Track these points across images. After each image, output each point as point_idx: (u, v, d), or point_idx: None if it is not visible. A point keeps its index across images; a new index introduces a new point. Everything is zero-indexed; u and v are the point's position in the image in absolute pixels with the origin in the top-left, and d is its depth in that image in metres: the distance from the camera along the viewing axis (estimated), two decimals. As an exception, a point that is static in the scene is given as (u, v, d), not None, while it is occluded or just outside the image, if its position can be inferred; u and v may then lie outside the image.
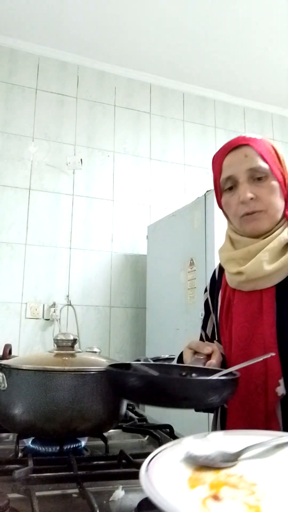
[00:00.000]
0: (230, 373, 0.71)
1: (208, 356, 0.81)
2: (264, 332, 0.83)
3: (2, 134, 2.85)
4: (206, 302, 1.05)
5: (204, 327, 1.04)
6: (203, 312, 1.05)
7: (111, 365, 0.71)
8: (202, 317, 1.06)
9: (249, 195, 0.86)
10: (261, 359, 0.75)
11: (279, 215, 0.89)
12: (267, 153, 0.89)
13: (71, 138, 3.02)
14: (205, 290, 1.06)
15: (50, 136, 2.97)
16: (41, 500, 0.52)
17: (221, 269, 1.01)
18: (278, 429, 0.76)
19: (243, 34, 2.82)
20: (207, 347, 0.82)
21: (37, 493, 0.51)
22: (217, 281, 1.02)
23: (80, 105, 3.09)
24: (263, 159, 0.87)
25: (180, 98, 3.43)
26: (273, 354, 0.77)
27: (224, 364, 0.85)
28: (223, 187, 0.92)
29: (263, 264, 0.86)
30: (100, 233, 2.97)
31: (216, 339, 0.96)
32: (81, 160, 2.96)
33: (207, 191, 2.21)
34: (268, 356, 0.76)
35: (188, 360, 0.82)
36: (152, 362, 0.85)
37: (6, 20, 2.75)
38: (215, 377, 0.68)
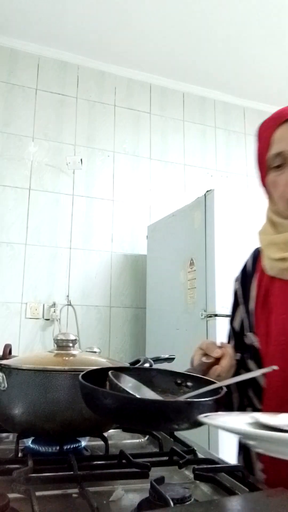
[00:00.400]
0: (217, 390, 0.62)
1: (218, 360, 0.73)
2: None
3: (2, 134, 2.85)
4: (236, 293, 0.96)
5: (231, 320, 0.96)
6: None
7: (85, 373, 0.63)
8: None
9: None
10: (260, 372, 0.68)
11: None
12: None
13: (71, 138, 3.02)
14: (236, 280, 0.97)
15: (50, 136, 2.97)
16: (41, 500, 0.52)
17: (255, 256, 0.93)
18: None
19: (243, 34, 2.82)
20: (217, 350, 0.74)
21: (37, 493, 0.51)
22: (251, 269, 0.93)
23: (80, 105, 3.10)
24: None
25: (180, 98, 3.43)
26: (276, 367, 0.66)
27: (237, 369, 0.79)
28: (271, 164, 0.82)
29: None
30: (100, 233, 2.97)
31: (247, 332, 0.87)
32: (81, 160, 2.96)
33: (207, 191, 2.21)
34: (270, 370, 0.66)
35: (195, 363, 0.75)
36: (144, 366, 0.81)
37: (6, 20, 2.75)
38: (183, 397, 0.61)
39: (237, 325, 0.93)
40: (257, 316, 0.85)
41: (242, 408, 0.85)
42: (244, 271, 0.95)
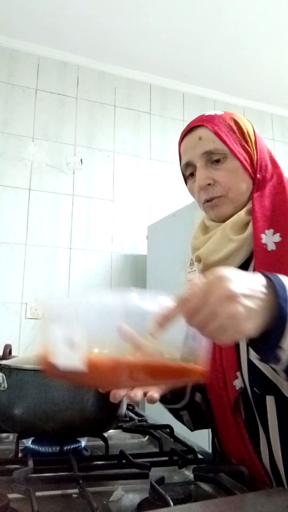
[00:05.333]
0: None
1: None
2: None
3: (2, 134, 2.85)
4: None
5: None
6: None
7: None
8: None
9: (205, 181, 0.80)
10: None
11: (244, 197, 0.81)
12: (225, 131, 0.81)
13: (71, 138, 3.02)
14: None
15: (50, 136, 2.97)
16: (41, 500, 0.52)
17: None
18: (242, 423, 0.72)
19: (243, 35, 2.82)
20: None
21: (37, 493, 0.51)
22: None
23: (80, 105, 3.09)
24: (220, 138, 0.80)
25: (180, 98, 3.43)
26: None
27: None
28: (185, 174, 0.88)
29: (215, 246, 0.80)
30: (100, 233, 2.97)
31: None
32: (81, 160, 2.96)
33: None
34: None
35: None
36: None
37: (6, 20, 2.75)
38: None
39: None
40: None
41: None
42: None
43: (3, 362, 0.75)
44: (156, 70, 3.25)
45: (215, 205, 0.82)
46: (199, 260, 0.85)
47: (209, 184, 0.80)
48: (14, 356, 0.89)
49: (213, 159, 0.80)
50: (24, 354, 1.15)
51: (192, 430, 0.87)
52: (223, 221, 0.82)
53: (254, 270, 0.75)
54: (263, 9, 2.59)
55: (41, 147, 2.92)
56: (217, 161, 0.80)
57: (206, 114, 0.84)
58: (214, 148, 0.80)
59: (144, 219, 3.08)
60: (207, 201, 0.82)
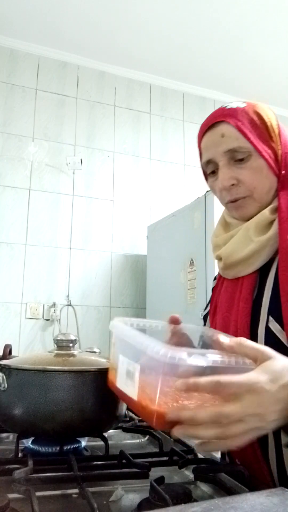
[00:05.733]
0: None
1: None
2: (238, 322, 0.74)
3: (2, 134, 2.85)
4: (212, 290, 0.95)
5: (205, 317, 0.95)
6: (203, 312, 1.00)
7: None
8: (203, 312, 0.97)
9: (229, 182, 0.76)
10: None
11: (269, 197, 0.77)
12: (249, 126, 0.76)
13: (71, 138, 3.02)
14: (214, 278, 0.96)
15: (50, 136, 2.97)
16: (41, 500, 0.52)
17: None
18: None
19: (243, 35, 2.82)
20: (174, 316, 0.74)
21: (37, 493, 0.51)
22: None
23: (80, 105, 3.10)
24: (244, 135, 0.75)
25: (180, 98, 3.43)
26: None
27: None
28: (206, 171, 0.83)
29: (238, 246, 0.77)
30: (100, 233, 2.97)
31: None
32: (81, 160, 2.96)
33: (207, 191, 2.21)
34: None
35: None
36: None
37: (6, 20, 2.75)
38: None
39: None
40: (210, 316, 0.87)
41: None
42: None
43: (3, 362, 0.75)
44: (156, 70, 3.25)
45: (239, 206, 0.78)
46: (220, 258, 0.83)
47: (232, 185, 0.77)
48: (14, 356, 0.88)
49: (236, 158, 0.76)
50: (24, 354, 1.15)
51: None
52: (247, 220, 0.79)
53: (277, 272, 0.73)
54: (263, 9, 2.59)
55: (41, 147, 2.92)
56: (241, 159, 0.76)
57: (227, 107, 0.78)
58: (238, 146, 0.75)
59: (144, 219, 3.08)
60: (231, 201, 0.79)
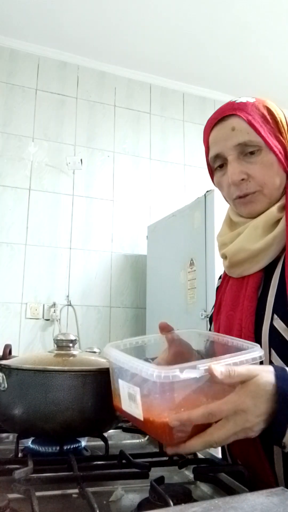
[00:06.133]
0: None
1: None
2: (243, 320, 0.74)
3: (2, 134, 2.85)
4: (217, 290, 0.94)
5: (211, 318, 0.94)
6: (203, 312, 1.01)
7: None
8: (208, 312, 0.98)
9: (239, 176, 0.74)
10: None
11: (278, 193, 0.76)
12: (260, 121, 0.75)
13: (71, 138, 3.02)
14: (219, 277, 0.95)
15: (50, 136, 2.97)
16: (41, 500, 0.52)
17: None
18: None
19: (243, 35, 2.82)
20: (165, 324, 0.76)
21: (37, 493, 0.51)
22: None
23: (80, 105, 3.10)
24: (255, 129, 0.74)
25: (180, 98, 3.43)
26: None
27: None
28: (213, 165, 0.81)
29: (244, 244, 0.76)
30: (100, 233, 2.97)
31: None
32: (81, 160, 2.96)
33: (207, 191, 2.21)
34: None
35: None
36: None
37: (6, 20, 2.75)
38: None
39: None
40: (214, 315, 0.87)
41: None
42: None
43: (3, 362, 0.75)
44: (156, 70, 3.25)
45: (249, 202, 0.76)
46: (225, 257, 0.81)
47: (242, 179, 0.75)
48: (14, 356, 0.88)
49: (246, 152, 0.75)
50: (24, 354, 1.15)
51: None
52: (254, 217, 0.77)
53: (283, 270, 0.73)
54: (263, 9, 2.59)
55: (41, 147, 2.92)
56: (251, 153, 0.74)
57: (237, 101, 0.77)
58: (249, 140, 0.74)
59: (144, 219, 3.09)
60: (240, 197, 0.77)
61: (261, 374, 0.55)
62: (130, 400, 0.57)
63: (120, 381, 0.59)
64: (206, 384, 0.54)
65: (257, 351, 0.58)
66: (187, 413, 0.52)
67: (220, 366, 0.53)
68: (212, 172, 0.84)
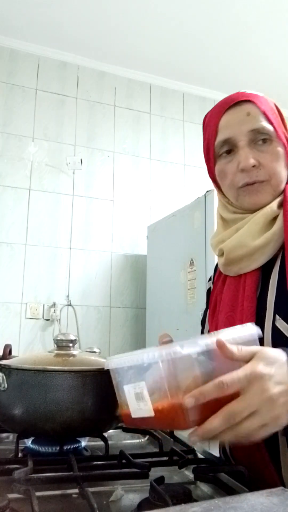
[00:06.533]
0: None
1: None
2: (243, 322, 0.71)
3: (2, 134, 2.85)
4: (208, 292, 0.92)
5: (203, 321, 0.92)
6: (203, 312, 0.99)
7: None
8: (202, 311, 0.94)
9: (252, 161, 0.72)
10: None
11: (281, 187, 0.75)
12: (271, 112, 0.75)
13: (71, 138, 3.02)
14: (209, 279, 0.93)
15: (50, 136, 2.97)
16: (41, 500, 0.52)
17: None
18: None
19: (243, 35, 2.82)
20: (165, 339, 0.69)
21: (37, 493, 0.51)
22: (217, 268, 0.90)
23: (80, 105, 3.10)
24: (267, 118, 0.74)
25: (180, 98, 3.43)
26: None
27: None
28: (218, 152, 0.78)
29: (244, 239, 0.74)
30: (100, 233, 2.97)
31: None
32: (81, 160, 2.96)
33: (207, 191, 2.21)
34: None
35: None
36: None
37: (6, 20, 2.75)
38: None
39: (206, 326, 0.90)
40: (209, 315, 0.84)
41: None
42: (215, 270, 0.92)
43: (3, 362, 0.75)
44: (156, 70, 3.25)
45: (256, 191, 0.74)
46: (222, 254, 0.79)
47: (253, 166, 0.73)
48: (14, 356, 0.88)
49: (258, 139, 0.74)
50: (24, 354, 1.15)
51: None
52: (255, 210, 0.75)
53: (281, 268, 0.71)
54: (263, 9, 2.59)
55: (41, 147, 2.92)
56: (263, 142, 0.74)
57: (247, 92, 0.77)
58: (262, 127, 0.73)
59: (144, 219, 3.09)
60: (248, 184, 0.74)
61: (267, 348, 0.54)
62: (138, 401, 0.56)
63: (125, 387, 0.58)
64: (210, 364, 0.53)
65: (254, 328, 0.58)
66: (198, 389, 0.49)
67: (229, 344, 0.52)
68: (213, 159, 0.81)
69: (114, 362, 0.60)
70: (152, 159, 3.23)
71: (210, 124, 0.80)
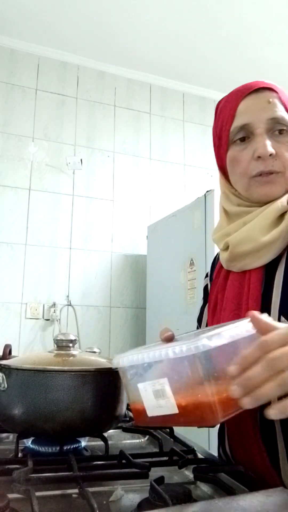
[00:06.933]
0: None
1: None
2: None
3: (2, 134, 2.85)
4: (206, 289, 0.89)
5: (199, 319, 0.90)
6: (199, 309, 0.97)
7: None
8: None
9: (270, 149, 0.70)
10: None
11: None
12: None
13: (71, 138, 3.02)
14: (206, 275, 0.91)
15: (50, 136, 2.97)
16: (41, 500, 0.52)
17: None
18: (258, 433, 0.68)
19: (242, 35, 2.82)
20: (167, 334, 0.64)
21: (37, 493, 0.51)
22: (215, 264, 0.87)
23: (80, 105, 3.10)
24: (287, 110, 0.72)
25: (180, 98, 3.43)
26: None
27: None
28: (232, 138, 0.75)
29: (252, 234, 0.71)
30: (100, 233, 2.97)
31: None
32: (81, 160, 2.96)
33: (207, 191, 2.21)
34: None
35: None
36: None
37: (6, 20, 2.75)
38: None
39: (203, 324, 0.88)
40: (209, 313, 0.82)
41: None
42: (212, 266, 0.90)
43: (3, 362, 0.75)
44: (156, 70, 3.25)
45: (270, 182, 0.72)
46: (226, 247, 0.76)
47: (270, 155, 0.71)
48: (14, 356, 0.88)
49: (275, 129, 0.72)
50: (24, 354, 1.15)
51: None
52: (266, 202, 0.73)
53: (286, 269, 0.70)
54: (263, 9, 2.59)
55: (41, 147, 2.92)
56: (280, 132, 0.72)
57: (266, 81, 0.75)
58: (282, 117, 0.71)
59: (144, 219, 3.09)
60: (262, 174, 0.72)
61: None
62: (157, 399, 0.53)
63: (140, 385, 0.55)
64: (232, 352, 0.52)
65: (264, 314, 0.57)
66: (240, 356, 0.49)
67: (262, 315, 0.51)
68: (225, 146, 0.77)
69: (127, 359, 0.57)
70: (152, 159, 3.23)
71: (226, 109, 0.77)
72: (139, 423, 0.59)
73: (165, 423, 0.57)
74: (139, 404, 0.56)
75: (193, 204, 2.33)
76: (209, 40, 2.89)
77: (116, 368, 0.64)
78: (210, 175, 3.33)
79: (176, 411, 0.52)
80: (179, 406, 0.51)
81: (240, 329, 0.53)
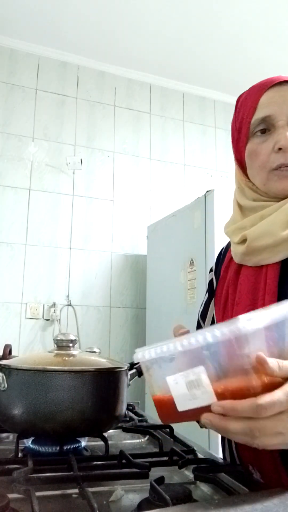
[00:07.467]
0: None
1: None
2: None
3: (2, 134, 2.85)
4: (211, 283, 0.89)
5: (203, 315, 0.89)
6: (199, 310, 0.96)
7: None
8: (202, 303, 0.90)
9: None
10: None
11: None
12: None
13: (71, 138, 3.02)
14: (210, 270, 0.90)
15: (50, 136, 2.97)
16: (41, 500, 0.52)
17: (228, 245, 0.86)
18: None
19: (242, 35, 2.82)
20: (182, 330, 0.64)
21: (37, 493, 0.51)
22: (223, 258, 0.87)
23: (80, 105, 3.10)
24: None
25: (180, 98, 3.43)
26: None
27: None
28: (253, 130, 0.75)
29: (271, 228, 0.71)
30: (100, 233, 2.97)
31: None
32: (81, 160, 2.96)
33: (207, 191, 2.21)
34: None
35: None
36: None
37: (6, 20, 2.75)
38: None
39: (210, 320, 0.87)
40: (218, 308, 0.81)
41: None
42: (217, 260, 0.89)
43: (3, 362, 0.75)
44: (156, 70, 3.25)
45: None
46: (243, 241, 0.75)
47: None
48: (14, 356, 0.88)
49: None
50: (24, 354, 1.15)
51: None
52: (281, 198, 0.73)
53: None
54: (263, 9, 2.59)
55: (41, 147, 2.92)
56: None
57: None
58: None
59: (144, 219, 3.09)
60: (282, 167, 0.71)
61: None
62: (191, 390, 0.50)
63: (170, 378, 0.52)
64: (271, 335, 0.50)
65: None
66: (231, 403, 0.47)
67: (270, 359, 0.49)
68: (245, 139, 0.77)
69: (154, 351, 0.54)
70: (152, 159, 3.23)
71: (247, 102, 0.77)
72: (165, 420, 0.56)
73: (195, 417, 0.53)
74: (165, 399, 0.53)
75: (193, 204, 2.33)
76: (209, 40, 2.89)
77: (136, 363, 0.61)
78: (210, 175, 3.33)
79: (214, 399, 0.49)
80: (218, 394, 0.49)
81: (279, 311, 0.50)
